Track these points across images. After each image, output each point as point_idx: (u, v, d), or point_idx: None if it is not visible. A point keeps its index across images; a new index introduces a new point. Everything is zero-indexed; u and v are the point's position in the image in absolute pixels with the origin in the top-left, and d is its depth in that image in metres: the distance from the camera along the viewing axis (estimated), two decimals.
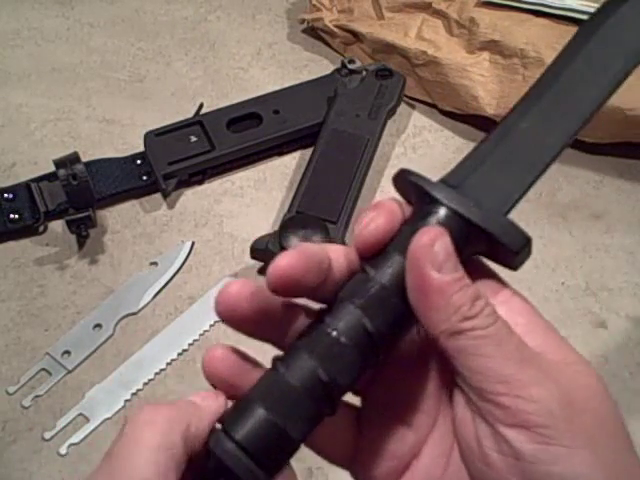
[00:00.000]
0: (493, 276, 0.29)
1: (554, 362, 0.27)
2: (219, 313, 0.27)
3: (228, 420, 0.27)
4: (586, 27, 0.32)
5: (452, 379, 0.29)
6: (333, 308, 0.28)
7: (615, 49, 0.31)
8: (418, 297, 0.27)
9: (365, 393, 0.31)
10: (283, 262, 0.26)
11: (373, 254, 0.28)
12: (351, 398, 0.31)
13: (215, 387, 0.29)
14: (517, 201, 0.29)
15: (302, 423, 0.27)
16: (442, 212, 0.28)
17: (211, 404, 0.28)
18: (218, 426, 0.27)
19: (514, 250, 0.28)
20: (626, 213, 0.61)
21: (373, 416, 0.31)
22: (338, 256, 0.28)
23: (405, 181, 0.29)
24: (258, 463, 0.27)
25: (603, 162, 0.64)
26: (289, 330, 0.29)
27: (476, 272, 0.29)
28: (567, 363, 0.27)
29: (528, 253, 0.28)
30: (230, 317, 0.28)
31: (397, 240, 0.28)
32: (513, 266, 0.29)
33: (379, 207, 0.28)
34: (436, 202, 0.28)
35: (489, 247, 0.28)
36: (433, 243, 0.27)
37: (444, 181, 0.29)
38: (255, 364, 0.29)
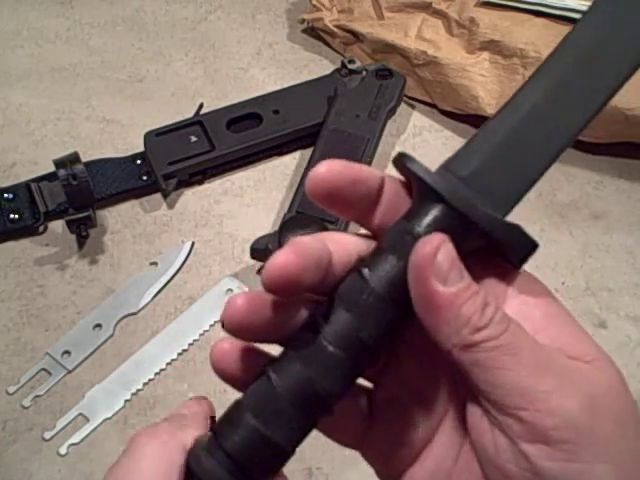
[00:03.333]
0: (500, 267, 0.28)
1: (573, 361, 0.26)
2: (227, 330, 0.27)
3: (218, 428, 0.27)
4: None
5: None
6: (327, 312, 0.26)
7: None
8: (425, 312, 0.26)
9: (377, 380, 0.31)
10: (278, 261, 0.25)
11: (368, 254, 0.27)
12: (363, 382, 0.31)
13: (226, 381, 0.28)
14: (526, 192, 0.27)
15: (292, 433, 0.26)
16: (443, 210, 0.26)
17: (197, 411, 0.28)
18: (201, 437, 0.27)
19: (520, 257, 0.26)
20: (626, 213, 0.61)
21: (384, 403, 0.30)
22: (339, 248, 0.27)
23: (404, 168, 0.28)
24: (246, 474, 0.26)
25: (603, 162, 0.64)
26: (293, 327, 0.28)
27: (481, 265, 0.27)
28: (587, 360, 0.26)
29: (530, 256, 0.27)
30: (238, 332, 0.27)
31: (394, 239, 0.26)
32: (516, 267, 0.27)
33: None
34: (437, 198, 0.26)
35: (492, 245, 0.27)
36: (436, 253, 0.25)
37: (446, 167, 0.27)
38: (264, 355, 0.28)
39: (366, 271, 0.26)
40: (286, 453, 0.27)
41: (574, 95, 0.27)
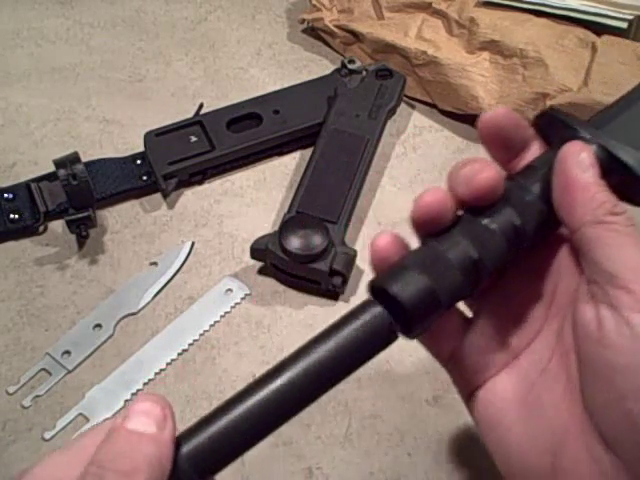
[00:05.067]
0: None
1: None
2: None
3: (383, 279, 0.30)
4: None
5: (573, 281, 0.32)
6: (484, 208, 0.31)
7: None
8: (564, 194, 0.31)
9: (482, 298, 0.34)
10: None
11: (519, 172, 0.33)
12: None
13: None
14: None
15: (450, 292, 0.30)
16: (587, 141, 0.31)
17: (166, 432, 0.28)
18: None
19: None
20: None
21: (483, 315, 0.34)
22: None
23: (551, 120, 0.33)
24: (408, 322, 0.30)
25: None
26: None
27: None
28: None
29: None
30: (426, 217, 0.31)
31: (544, 158, 0.32)
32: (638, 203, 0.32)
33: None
34: (581, 137, 0.31)
35: (625, 182, 0.31)
36: (580, 152, 0.31)
37: (590, 121, 0.33)
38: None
39: (521, 179, 0.32)
40: (442, 309, 0.30)
41: None
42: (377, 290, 0.30)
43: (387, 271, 0.30)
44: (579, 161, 0.31)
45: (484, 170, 0.31)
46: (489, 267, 0.30)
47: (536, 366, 0.33)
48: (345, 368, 0.29)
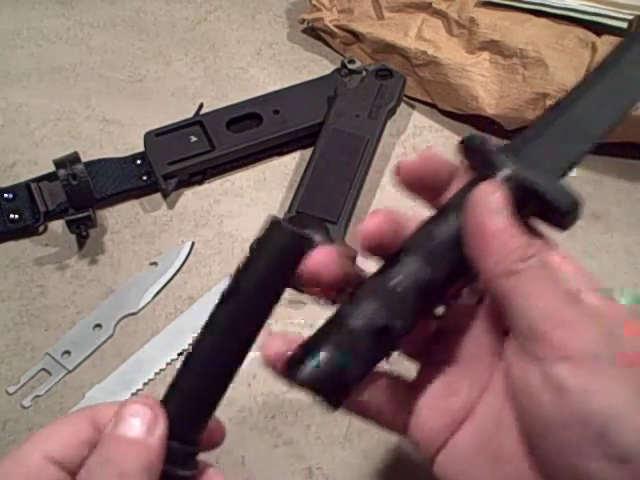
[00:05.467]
0: (545, 237, 0.31)
1: (601, 307, 0.29)
2: (305, 281, 0.31)
3: (293, 364, 0.30)
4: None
5: (503, 333, 0.31)
6: (396, 259, 0.31)
7: None
8: (475, 242, 0.29)
9: (421, 355, 0.34)
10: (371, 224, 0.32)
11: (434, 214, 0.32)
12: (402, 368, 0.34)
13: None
14: (570, 168, 0.32)
15: (362, 364, 0.30)
16: (500, 174, 0.30)
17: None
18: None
19: (563, 210, 0.30)
20: (626, 213, 0.61)
21: (428, 376, 0.33)
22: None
23: (469, 146, 0.32)
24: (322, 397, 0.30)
25: (603, 162, 0.64)
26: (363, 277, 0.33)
27: (530, 233, 0.30)
28: (614, 309, 0.29)
29: (577, 215, 0.31)
30: (315, 282, 0.32)
31: (457, 199, 0.31)
32: (563, 226, 0.31)
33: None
34: (495, 165, 0.30)
35: (541, 209, 0.30)
36: (490, 193, 0.29)
37: (506, 146, 0.32)
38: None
39: (431, 226, 0.31)
40: (357, 381, 0.30)
41: (608, 99, 0.33)
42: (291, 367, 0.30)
43: (298, 352, 0.30)
44: (488, 206, 0.29)
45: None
46: (400, 330, 0.30)
47: (490, 417, 0.31)
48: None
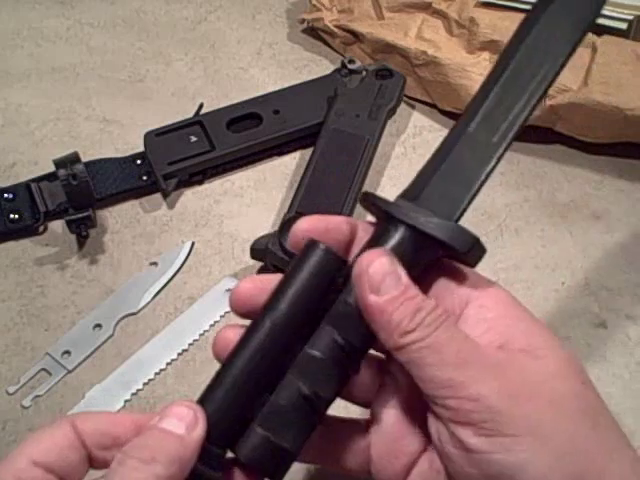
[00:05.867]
0: (465, 277, 0.32)
1: (509, 353, 0.29)
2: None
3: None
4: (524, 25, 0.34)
5: None
6: (309, 332, 0.31)
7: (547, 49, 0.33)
8: (367, 319, 0.30)
9: (369, 402, 0.34)
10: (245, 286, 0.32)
11: None
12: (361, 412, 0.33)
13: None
14: (468, 204, 0.31)
15: (296, 436, 0.30)
16: (394, 227, 0.30)
17: (163, 445, 0.29)
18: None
19: (463, 251, 0.30)
20: (626, 213, 0.61)
21: (380, 420, 0.33)
22: None
23: (369, 201, 0.32)
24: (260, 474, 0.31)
25: (603, 162, 0.64)
26: None
27: (445, 275, 0.31)
28: (528, 350, 0.29)
29: (480, 251, 0.31)
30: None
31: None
32: (470, 264, 0.31)
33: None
34: (391, 218, 0.31)
35: (446, 251, 0.31)
36: (368, 266, 0.29)
37: (403, 196, 0.32)
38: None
39: (342, 293, 0.31)
40: (293, 454, 0.30)
41: (498, 119, 0.32)
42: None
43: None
44: (369, 281, 0.29)
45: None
46: (325, 397, 0.30)
47: (428, 462, 0.33)
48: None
